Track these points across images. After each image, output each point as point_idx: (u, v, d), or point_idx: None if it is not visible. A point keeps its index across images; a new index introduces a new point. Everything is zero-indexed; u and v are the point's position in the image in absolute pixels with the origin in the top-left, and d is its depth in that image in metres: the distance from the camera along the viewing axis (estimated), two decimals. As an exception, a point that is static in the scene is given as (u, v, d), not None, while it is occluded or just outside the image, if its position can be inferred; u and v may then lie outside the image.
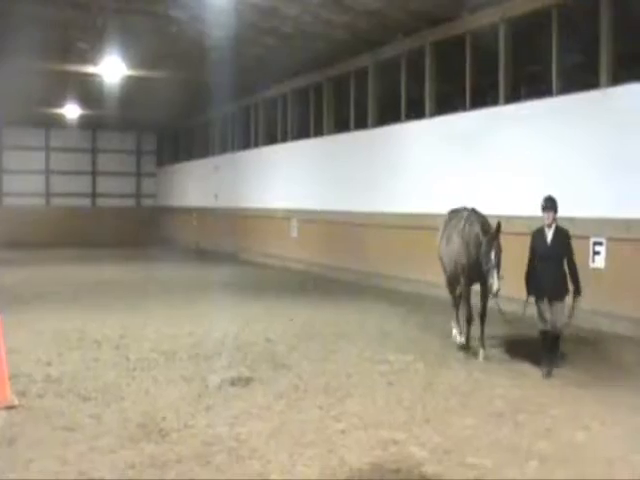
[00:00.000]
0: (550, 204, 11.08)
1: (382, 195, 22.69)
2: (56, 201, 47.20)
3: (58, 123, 42.67)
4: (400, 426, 8.45)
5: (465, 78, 19.56)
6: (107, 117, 39.95)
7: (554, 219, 11.07)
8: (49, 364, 11.44)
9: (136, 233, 45.79)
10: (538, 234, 11.27)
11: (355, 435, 8.09)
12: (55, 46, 23.89)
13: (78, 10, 20.03)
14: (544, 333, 11.10)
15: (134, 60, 25.22)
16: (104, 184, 48.47)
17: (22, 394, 9.53)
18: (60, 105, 37.08)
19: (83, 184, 47.98)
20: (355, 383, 10.47)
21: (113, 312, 16.91)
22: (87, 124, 43.32)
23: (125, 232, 45.21)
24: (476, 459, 7.37)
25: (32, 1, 19.43)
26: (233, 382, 10.35)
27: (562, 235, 11.12)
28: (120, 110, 36.93)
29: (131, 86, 29.52)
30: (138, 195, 49.97)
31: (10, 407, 8.98)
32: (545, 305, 11.07)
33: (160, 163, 49.55)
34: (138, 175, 49.94)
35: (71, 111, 38.18)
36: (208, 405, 9.27)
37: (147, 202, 49.95)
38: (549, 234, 11.11)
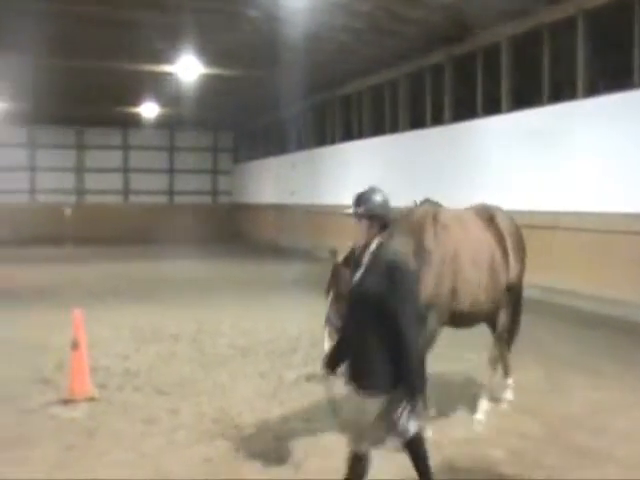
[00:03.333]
0: (359, 202, 5.74)
1: (457, 191, 22.45)
2: (134, 199, 48.08)
3: (136, 122, 43.37)
4: (472, 425, 8.35)
5: (542, 72, 19.25)
6: (184, 116, 40.40)
7: (374, 233, 5.60)
8: (127, 358, 11.63)
9: (212, 230, 46.22)
10: (355, 261, 5.85)
11: (427, 433, 7.99)
12: (132, 46, 24.25)
13: (154, 10, 20.31)
14: (355, 458, 5.62)
15: (210, 59, 25.45)
16: (181, 182, 49.14)
17: (102, 387, 9.70)
18: (137, 104, 37.68)
19: (160, 182, 48.76)
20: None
21: (189, 307, 17.10)
22: (164, 123, 43.90)
23: (201, 229, 45.70)
24: (551, 460, 7.23)
25: (108, 3, 19.77)
26: (308, 378, 10.36)
27: (382, 267, 5.41)
28: (197, 108, 37.32)
29: (207, 84, 29.79)
30: (214, 192, 50.48)
31: (90, 399, 9.16)
32: (355, 397, 5.52)
33: (236, 160, 49.97)
34: (214, 172, 50.44)
35: (148, 110, 38.75)
36: (283, 401, 9.29)
37: (223, 199, 50.42)
38: (364, 262, 5.59)
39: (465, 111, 22.88)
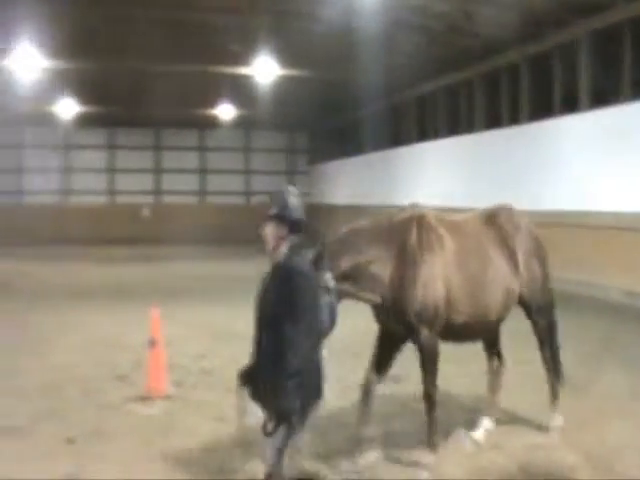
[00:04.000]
0: (271, 201, 5.53)
1: (535, 192, 22.12)
2: (210, 199, 48.62)
3: (213, 124, 43.85)
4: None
5: (623, 69, 18.82)
6: (260, 117, 40.72)
7: (283, 236, 5.31)
8: (202, 357, 11.75)
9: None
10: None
11: (503, 436, 7.90)
12: (209, 49, 24.55)
13: (230, 13, 20.50)
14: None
15: (286, 60, 25.58)
16: (257, 182, 49.49)
17: (178, 385, 9.82)
18: (214, 106, 38.10)
19: (236, 183, 49.20)
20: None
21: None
22: (240, 124, 44.29)
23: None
24: (632, 469, 7.05)
25: (186, 7, 20.03)
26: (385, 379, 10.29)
27: (277, 277, 5.18)
28: (273, 109, 37.57)
29: (283, 85, 29.94)
30: (290, 193, 50.64)
31: (166, 397, 9.29)
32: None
33: (312, 161, 50.11)
34: (290, 173, 50.67)
35: (225, 112, 39.15)
36: (354, 402, 9.24)
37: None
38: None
39: (542, 110, 22.52)
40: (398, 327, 7.21)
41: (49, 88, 32.48)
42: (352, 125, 41.08)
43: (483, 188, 25.23)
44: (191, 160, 48.43)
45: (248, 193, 49.43)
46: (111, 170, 47.94)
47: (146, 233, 43.22)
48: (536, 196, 21.85)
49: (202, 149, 48.77)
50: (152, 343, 9.35)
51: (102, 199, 47.49)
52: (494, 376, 8.30)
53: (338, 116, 41.55)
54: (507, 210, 8.17)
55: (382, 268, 6.93)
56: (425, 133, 31.45)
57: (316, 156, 49.45)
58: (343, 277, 6.65)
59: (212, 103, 37.40)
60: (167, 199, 47.95)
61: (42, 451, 7.56)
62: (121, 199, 47.41)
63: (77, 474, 6.73)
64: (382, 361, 7.54)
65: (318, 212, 47.43)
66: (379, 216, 7.64)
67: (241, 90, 32.01)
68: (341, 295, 6.50)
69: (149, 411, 8.86)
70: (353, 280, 6.83)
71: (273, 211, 5.28)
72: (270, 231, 5.27)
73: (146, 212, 46.48)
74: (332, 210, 44.73)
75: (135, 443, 7.73)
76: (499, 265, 7.53)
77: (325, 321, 5.58)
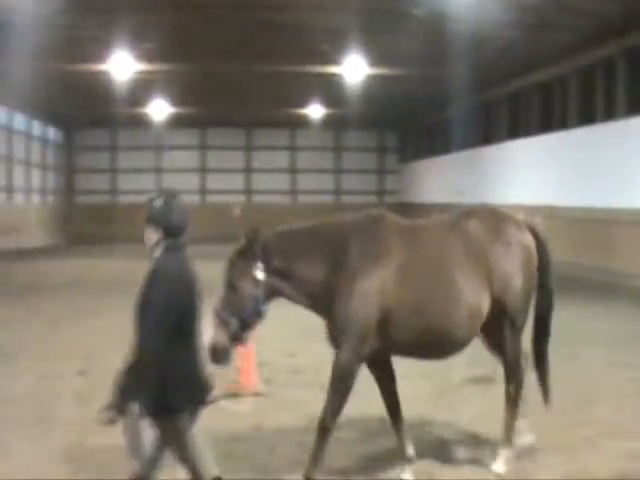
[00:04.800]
0: (149, 206, 5.40)
1: (630, 190, 21.54)
2: (301, 198, 48.88)
3: (303, 123, 44.08)
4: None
5: None
6: (350, 116, 40.76)
7: (156, 239, 5.32)
8: (293, 355, 11.81)
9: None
10: None
11: (600, 443, 7.70)
12: (299, 49, 24.66)
13: (320, 13, 20.55)
14: None
15: (375, 59, 25.55)
16: (347, 181, 49.55)
17: (268, 382, 9.89)
18: (305, 106, 38.31)
19: (327, 182, 49.35)
20: (600, 389, 9.98)
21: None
22: (330, 123, 44.43)
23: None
24: None
25: (275, 8, 20.16)
26: (474, 380, 10.19)
27: (146, 279, 5.20)
28: (362, 108, 37.56)
29: (373, 84, 29.92)
30: (380, 192, 50.58)
31: (257, 394, 9.36)
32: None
33: (402, 160, 49.89)
34: (380, 172, 50.57)
35: (315, 111, 39.32)
36: (449, 403, 9.18)
37: (389, 199, 50.37)
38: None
39: (639, 105, 21.90)
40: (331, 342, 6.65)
41: (142, 90, 33.18)
42: (442, 123, 40.73)
43: (576, 187, 24.72)
44: (281, 159, 48.85)
45: (338, 192, 49.52)
46: (203, 170, 48.73)
47: (237, 232, 43.56)
48: (632, 194, 21.30)
49: (292, 148, 49.11)
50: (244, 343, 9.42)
51: (194, 198, 48.19)
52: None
53: (428, 114, 41.28)
54: (484, 212, 7.22)
55: (322, 274, 6.45)
56: (516, 131, 30.98)
57: (406, 155, 49.21)
58: (279, 274, 6.40)
59: (302, 103, 37.62)
60: (258, 198, 48.44)
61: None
62: (212, 198, 48.09)
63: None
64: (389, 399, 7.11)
65: (409, 211, 47.12)
66: (336, 217, 7.19)
67: (331, 89, 32.09)
68: (275, 291, 6.41)
69: (239, 408, 8.94)
70: (290, 280, 6.48)
71: (148, 215, 5.28)
72: (148, 235, 5.28)
73: (237, 211, 46.97)
74: (423, 209, 44.36)
75: (225, 439, 7.81)
76: (460, 278, 6.60)
77: (248, 313, 6.00)
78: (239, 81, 30.88)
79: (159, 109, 39.36)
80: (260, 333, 11.55)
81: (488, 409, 8.77)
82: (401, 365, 11.12)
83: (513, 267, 6.81)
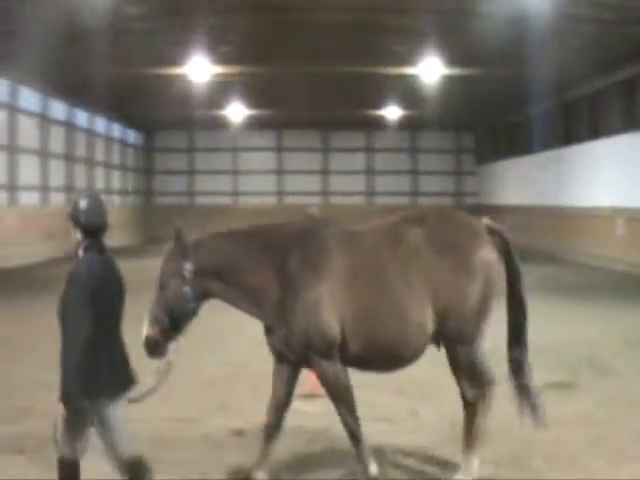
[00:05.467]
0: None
1: None
2: (378, 200, 48.77)
3: (379, 125, 44.00)
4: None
5: None
6: (426, 117, 40.52)
7: (78, 239, 5.48)
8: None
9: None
10: None
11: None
12: (375, 50, 24.62)
13: (396, 13, 20.48)
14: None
15: (452, 59, 25.34)
16: (424, 183, 49.28)
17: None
18: (381, 107, 38.23)
19: (403, 183, 49.15)
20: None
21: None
22: (406, 124, 44.24)
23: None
24: None
25: (351, 9, 20.15)
26: (552, 386, 9.99)
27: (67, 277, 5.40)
28: (439, 110, 37.30)
29: (449, 85, 29.69)
30: (457, 194, 50.13)
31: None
32: None
33: (480, 161, 49.34)
34: (457, 174, 50.14)
35: (391, 112, 39.21)
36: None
37: (467, 200, 49.86)
38: None
39: None
40: (289, 355, 6.54)
41: (219, 93, 33.55)
42: (521, 124, 40.18)
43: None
44: (358, 161, 48.86)
45: (415, 194, 49.28)
46: (280, 171, 49.03)
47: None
48: None
49: (369, 150, 49.06)
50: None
51: (271, 200, 48.59)
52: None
53: (506, 115, 40.77)
54: (434, 218, 6.66)
55: (258, 278, 6.34)
56: (598, 131, 30.35)
57: (484, 156, 48.66)
58: (211, 274, 6.36)
59: (379, 104, 37.56)
60: (334, 200, 48.50)
61: (211, 441, 7.79)
62: (289, 200, 48.33)
63: (243, 465, 6.84)
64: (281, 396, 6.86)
65: (486, 213, 46.42)
66: (276, 223, 7.03)
67: (407, 90, 31.96)
68: (208, 291, 6.41)
69: (313, 409, 8.94)
70: (223, 281, 6.40)
71: (70, 216, 5.44)
72: (73, 235, 5.45)
73: (314, 213, 47.11)
74: (501, 211, 43.79)
75: (299, 440, 7.84)
76: (398, 290, 6.26)
77: (177, 310, 6.19)
78: (315, 83, 30.97)
79: (236, 111, 39.74)
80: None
81: (566, 415, 8.62)
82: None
83: (461, 279, 6.32)
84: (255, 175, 48.84)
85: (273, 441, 6.68)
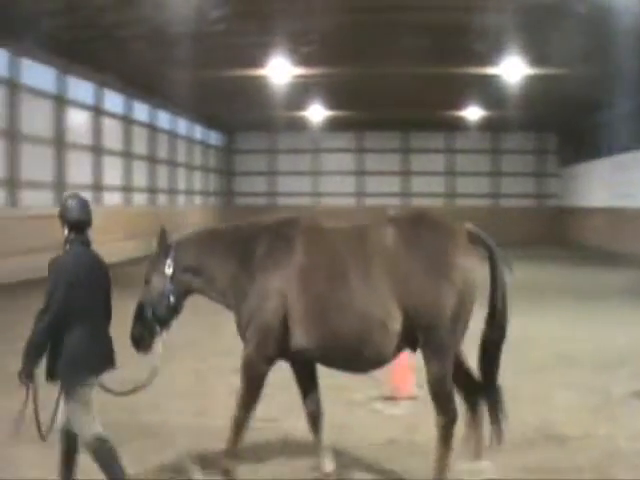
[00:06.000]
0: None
1: None
2: (459, 202, 48.33)
3: (459, 125, 43.61)
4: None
5: None
6: (508, 118, 39.99)
7: (64, 235, 6.07)
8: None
9: (538, 234, 45.13)
10: None
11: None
12: (456, 50, 24.40)
13: (477, 13, 20.27)
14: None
15: (535, 58, 24.95)
16: (505, 185, 48.60)
17: (422, 386, 9.77)
18: (461, 108, 37.88)
19: (484, 185, 48.57)
20: None
21: (510, 312, 16.75)
22: (487, 125, 43.73)
23: (526, 233, 44.83)
24: None
25: (431, 9, 20.02)
26: (638, 395, 9.74)
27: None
28: (521, 110, 36.79)
29: (532, 85, 29.22)
30: (539, 195, 49.28)
31: (412, 398, 9.29)
32: None
33: (563, 163, 48.41)
34: (539, 175, 49.27)
35: (472, 113, 38.83)
36: (610, 416, 8.82)
37: (549, 202, 49.00)
38: None
39: None
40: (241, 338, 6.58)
41: (300, 94, 33.71)
42: (606, 124, 39.28)
43: None
44: (438, 162, 48.52)
45: (496, 196, 48.69)
46: (359, 173, 49.05)
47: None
48: None
49: (449, 151, 48.67)
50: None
51: (350, 201, 48.63)
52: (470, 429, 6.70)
53: (590, 115, 39.91)
54: (411, 220, 6.52)
55: (229, 271, 6.54)
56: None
57: (567, 157, 47.71)
58: (190, 271, 6.65)
59: (459, 105, 37.21)
60: (414, 201, 48.29)
61: (289, 441, 7.80)
62: (369, 201, 48.31)
63: (318, 466, 6.82)
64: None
65: (569, 215, 45.75)
66: (258, 218, 7.11)
67: (488, 91, 31.60)
68: (189, 287, 6.71)
69: (394, 411, 8.91)
70: (201, 276, 6.67)
71: (58, 214, 6.00)
72: (63, 231, 6.01)
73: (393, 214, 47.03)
74: (586, 213, 42.98)
75: (380, 441, 7.79)
76: (360, 289, 6.10)
77: (159, 306, 6.52)
78: (395, 83, 30.83)
79: (316, 112, 39.88)
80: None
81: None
82: (562, 374, 10.84)
83: (433, 280, 6.07)
84: (335, 176, 48.99)
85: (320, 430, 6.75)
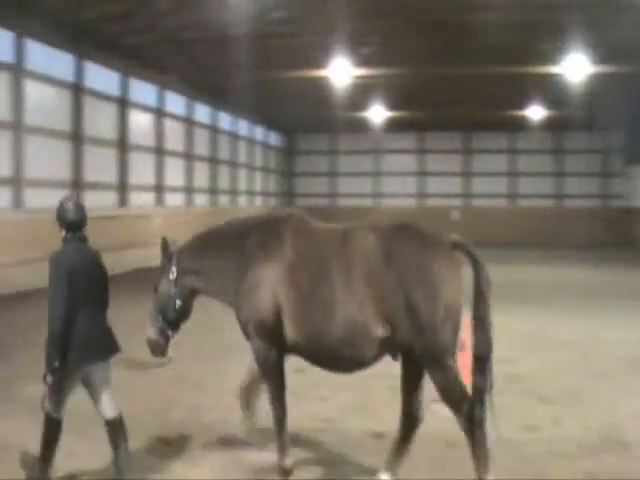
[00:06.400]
0: None
1: None
2: (521, 202, 47.74)
3: (522, 125, 43.10)
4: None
5: None
6: (571, 117, 39.40)
7: (61, 234, 6.58)
8: (511, 362, 11.48)
9: (602, 235, 44.32)
10: None
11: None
12: (518, 49, 24.11)
13: (540, 11, 20.00)
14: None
15: (600, 56, 24.52)
16: (569, 185, 47.83)
17: (483, 390, 9.65)
18: (523, 107, 37.41)
19: (547, 185, 47.83)
20: None
21: (576, 315, 16.56)
22: (551, 125, 43.12)
23: (591, 233, 44.11)
24: None
25: (489, 8, 19.82)
26: None
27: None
28: (584, 109, 36.24)
29: (596, 83, 28.74)
30: (604, 196, 48.29)
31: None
32: None
33: (629, 162, 47.37)
34: (604, 175, 48.26)
35: (535, 113, 38.32)
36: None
37: (614, 203, 47.96)
38: None
39: None
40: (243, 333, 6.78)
41: (361, 95, 33.68)
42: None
43: None
44: (500, 163, 47.98)
45: (559, 196, 47.97)
46: (421, 173, 48.85)
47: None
48: None
49: (511, 151, 48.10)
50: (461, 346, 9.30)
51: (411, 202, 48.47)
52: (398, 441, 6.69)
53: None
54: (394, 229, 6.41)
55: (225, 268, 6.78)
56: None
57: (634, 156, 46.67)
58: (191, 273, 6.97)
59: (521, 104, 36.76)
60: (476, 202, 47.89)
61: (349, 442, 7.76)
62: (431, 202, 48.09)
63: (378, 468, 6.75)
64: None
65: (636, 216, 44.66)
66: (247, 217, 7.31)
67: (551, 90, 31.17)
68: (193, 289, 7.04)
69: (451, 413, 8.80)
70: (201, 276, 6.97)
71: (56, 216, 6.48)
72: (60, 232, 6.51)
73: (455, 215, 46.76)
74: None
75: (439, 443, 7.73)
76: (339, 291, 6.17)
77: (167, 310, 6.90)
78: (456, 84, 30.59)
79: (377, 113, 39.78)
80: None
81: None
82: (628, 378, 10.60)
83: (408, 287, 6.00)
84: (396, 177, 48.88)
85: (404, 444, 6.66)
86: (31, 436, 6.84)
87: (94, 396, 6.39)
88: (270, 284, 6.39)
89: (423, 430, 7.99)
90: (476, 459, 6.08)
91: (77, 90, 24.50)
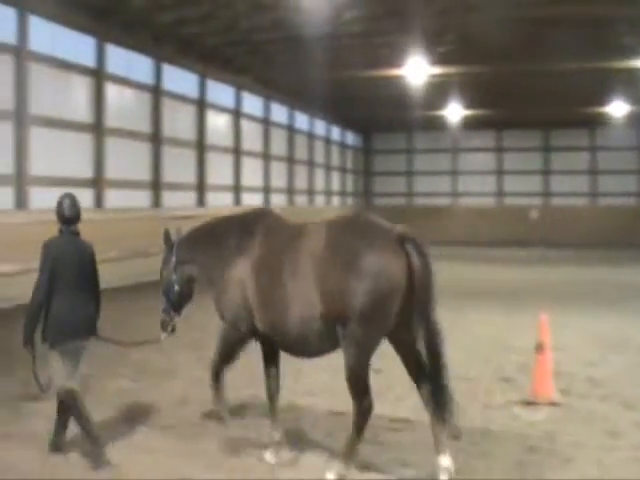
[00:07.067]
0: None
1: None
2: (602, 201, 46.65)
3: (603, 122, 42.19)
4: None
5: None
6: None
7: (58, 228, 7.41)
8: (592, 365, 11.23)
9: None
10: None
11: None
12: (599, 44, 23.64)
13: (624, 5, 19.55)
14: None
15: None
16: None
17: (564, 392, 9.46)
18: (605, 103, 36.60)
19: (631, 183, 46.40)
20: None
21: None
22: (633, 121, 42.07)
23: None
24: None
25: (572, 3, 19.45)
26: None
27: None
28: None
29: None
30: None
31: (552, 404, 9.00)
32: None
33: None
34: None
35: (617, 109, 37.47)
36: None
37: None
38: None
39: None
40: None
41: (437, 94, 33.43)
42: None
43: None
44: (581, 160, 46.94)
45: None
46: (499, 172, 48.23)
47: (534, 235, 42.79)
48: None
49: (592, 149, 47.04)
50: (540, 348, 9.15)
51: (490, 201, 47.91)
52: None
53: None
54: (339, 223, 6.75)
55: (206, 261, 7.53)
56: None
57: None
58: (186, 262, 7.71)
59: (602, 100, 35.96)
60: (556, 201, 47.06)
61: (425, 444, 7.66)
62: (509, 201, 47.47)
63: (451, 468, 6.62)
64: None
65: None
66: (230, 214, 7.89)
67: (634, 85, 30.43)
68: (190, 276, 7.77)
69: (533, 416, 8.63)
70: (198, 268, 7.68)
71: (55, 210, 7.28)
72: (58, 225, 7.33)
73: (534, 214, 46.05)
74: None
75: (520, 447, 7.55)
76: (291, 283, 6.58)
77: (170, 293, 7.68)
78: (535, 80, 30.12)
79: (454, 112, 39.42)
80: (558, 341, 11.13)
81: None
82: None
83: (345, 279, 6.22)
84: (474, 176, 48.38)
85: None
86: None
87: (55, 367, 7.04)
88: (240, 281, 7.02)
89: (504, 434, 7.88)
90: (348, 444, 6.55)
91: (156, 92, 24.91)
